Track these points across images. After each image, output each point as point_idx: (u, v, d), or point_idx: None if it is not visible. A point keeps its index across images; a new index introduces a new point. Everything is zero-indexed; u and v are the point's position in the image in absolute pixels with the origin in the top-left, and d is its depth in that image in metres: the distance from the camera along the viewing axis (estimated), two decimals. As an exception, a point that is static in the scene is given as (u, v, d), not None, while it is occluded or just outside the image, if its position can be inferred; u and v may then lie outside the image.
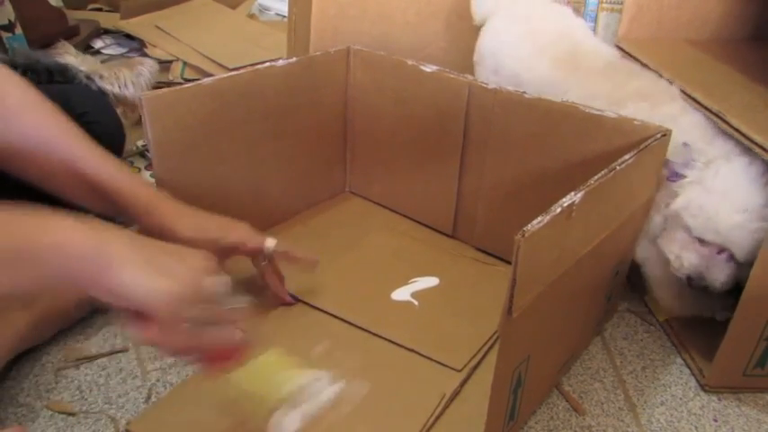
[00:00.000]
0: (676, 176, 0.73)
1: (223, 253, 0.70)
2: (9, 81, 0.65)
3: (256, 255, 0.75)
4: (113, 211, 0.66)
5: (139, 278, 0.46)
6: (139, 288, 0.46)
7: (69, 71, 1.00)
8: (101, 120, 0.89)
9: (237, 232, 0.72)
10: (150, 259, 0.47)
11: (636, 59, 0.96)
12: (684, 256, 0.72)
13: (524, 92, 0.81)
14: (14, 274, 0.43)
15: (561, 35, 0.93)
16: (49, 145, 0.64)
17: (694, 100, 0.80)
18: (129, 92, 1.07)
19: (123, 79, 1.08)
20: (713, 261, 0.70)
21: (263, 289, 0.79)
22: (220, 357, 0.54)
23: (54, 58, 1.03)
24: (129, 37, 1.62)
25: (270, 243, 0.74)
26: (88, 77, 1.03)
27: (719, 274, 0.71)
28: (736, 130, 0.71)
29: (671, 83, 0.83)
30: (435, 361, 0.73)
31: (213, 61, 1.46)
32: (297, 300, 0.81)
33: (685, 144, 0.72)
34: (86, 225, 0.46)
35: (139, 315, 0.47)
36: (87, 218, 0.46)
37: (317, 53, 0.93)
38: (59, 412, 0.67)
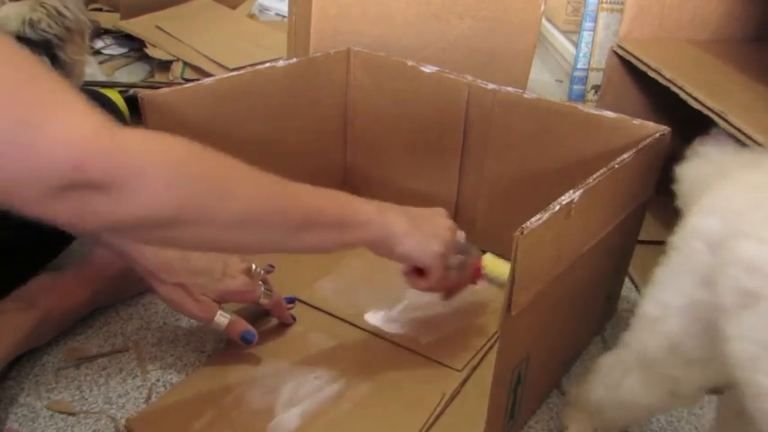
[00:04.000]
0: None
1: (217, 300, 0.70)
2: None
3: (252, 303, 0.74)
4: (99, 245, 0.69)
5: (417, 246, 0.64)
6: (417, 252, 0.64)
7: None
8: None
9: (231, 284, 0.70)
10: (419, 229, 0.64)
11: (637, 59, 0.96)
12: None
13: (524, 91, 0.81)
14: (337, 236, 0.59)
15: None
16: None
17: (695, 99, 0.80)
18: (71, 13, 0.89)
19: (53, 8, 0.88)
20: None
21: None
22: (468, 282, 0.74)
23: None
24: (129, 37, 1.62)
25: (264, 297, 0.73)
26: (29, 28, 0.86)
27: None
28: (738, 129, 0.71)
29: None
30: (435, 361, 0.73)
31: (213, 61, 1.46)
32: (295, 301, 0.81)
33: None
34: (377, 208, 0.63)
35: (416, 269, 0.67)
36: (373, 202, 0.63)
37: (317, 54, 0.93)
38: (59, 412, 0.67)
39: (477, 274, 0.74)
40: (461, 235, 0.70)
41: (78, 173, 0.39)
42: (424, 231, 0.65)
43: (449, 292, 0.74)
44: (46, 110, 0.39)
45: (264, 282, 0.74)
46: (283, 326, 0.78)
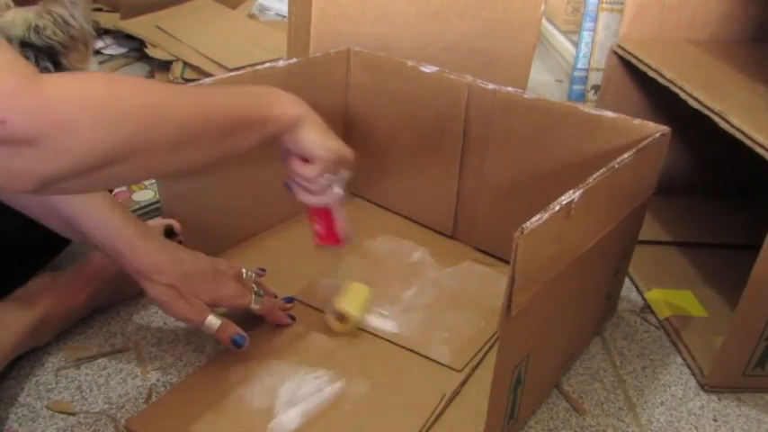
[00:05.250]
0: None
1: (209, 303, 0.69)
2: None
3: (242, 309, 0.73)
4: (90, 246, 0.68)
5: (320, 137, 0.64)
6: (318, 142, 0.64)
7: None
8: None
9: (222, 290, 0.69)
10: (326, 129, 0.66)
11: (637, 59, 0.96)
12: None
13: (524, 91, 0.81)
14: (261, 131, 0.60)
15: None
16: None
17: (695, 99, 0.80)
18: (77, 22, 0.93)
19: (60, 16, 0.87)
20: None
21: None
22: (328, 238, 0.73)
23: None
24: (129, 37, 1.62)
25: (255, 303, 0.72)
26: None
27: None
28: (738, 129, 0.71)
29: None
30: (435, 361, 0.73)
31: (213, 61, 1.46)
32: (294, 300, 0.81)
33: None
34: (293, 100, 0.64)
35: (303, 159, 0.66)
36: (288, 93, 0.64)
37: (318, 54, 0.93)
38: (59, 412, 0.67)
39: (341, 241, 0.73)
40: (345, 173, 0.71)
41: (2, 130, 0.39)
42: (329, 133, 0.66)
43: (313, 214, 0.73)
44: None
45: (258, 285, 0.74)
46: (283, 326, 0.77)
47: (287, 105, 0.63)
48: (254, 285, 0.73)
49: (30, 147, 0.41)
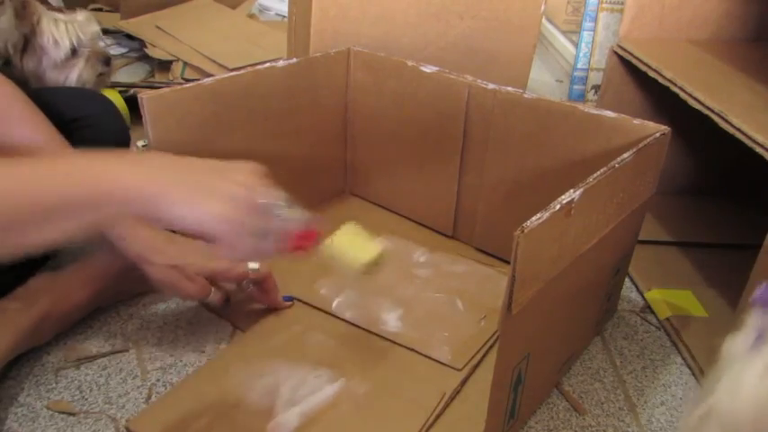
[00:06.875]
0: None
1: (208, 279, 0.71)
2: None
3: (241, 281, 0.75)
4: (95, 235, 0.66)
5: (190, 209, 0.49)
6: (193, 217, 0.49)
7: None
8: (101, 123, 0.89)
9: (219, 261, 0.71)
10: (197, 185, 0.50)
11: (637, 59, 0.96)
12: None
13: (524, 91, 0.81)
14: (92, 217, 0.47)
15: None
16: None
17: (695, 99, 0.80)
18: (86, 39, 0.98)
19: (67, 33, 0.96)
20: None
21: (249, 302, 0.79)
22: (295, 247, 0.58)
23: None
24: (129, 37, 1.62)
25: (253, 270, 0.72)
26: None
27: None
28: (738, 129, 0.71)
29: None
30: (436, 360, 0.73)
31: (213, 61, 1.46)
32: (294, 300, 0.81)
33: None
34: (141, 168, 0.48)
35: (208, 237, 0.51)
36: (136, 158, 0.50)
37: (318, 54, 0.93)
38: (59, 412, 0.67)
39: (305, 240, 0.58)
40: (275, 194, 0.55)
41: None
42: (205, 189, 0.50)
43: (257, 257, 0.63)
44: None
45: None
46: (283, 326, 0.77)
47: (126, 175, 0.48)
48: None
49: None
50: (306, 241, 0.59)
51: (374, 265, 0.67)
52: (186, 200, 0.49)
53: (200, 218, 0.49)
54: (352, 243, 0.66)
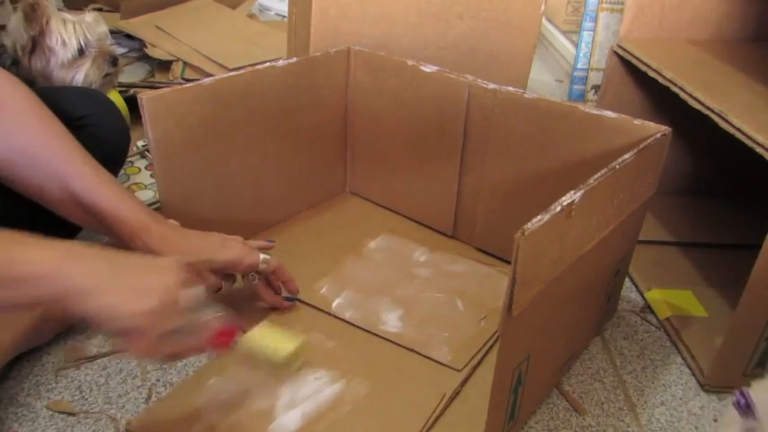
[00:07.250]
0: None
1: (218, 271, 0.70)
2: (9, 88, 0.65)
3: (249, 272, 0.75)
4: (104, 232, 0.67)
5: (112, 305, 0.49)
6: (114, 313, 0.49)
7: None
8: (102, 123, 0.89)
9: (231, 252, 0.71)
10: (121, 282, 0.50)
11: (637, 59, 0.96)
12: None
13: (524, 91, 0.81)
14: (11, 293, 0.47)
15: None
16: (45, 162, 0.63)
17: (695, 99, 0.80)
18: (94, 39, 0.99)
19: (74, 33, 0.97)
20: None
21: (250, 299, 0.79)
22: (216, 343, 0.59)
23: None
24: (129, 37, 1.62)
25: (263, 262, 0.73)
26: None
27: None
28: (738, 129, 0.71)
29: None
30: (436, 361, 0.73)
31: (213, 61, 1.46)
32: (294, 300, 0.81)
33: None
34: (62, 255, 0.48)
35: (124, 332, 0.51)
36: (62, 246, 0.49)
37: (318, 53, 0.93)
38: (59, 412, 0.67)
39: (226, 336, 0.60)
40: (195, 295, 0.56)
41: None
42: (128, 286, 0.51)
43: (173, 357, 0.60)
44: None
45: (262, 249, 0.75)
46: (283, 326, 0.77)
47: (49, 263, 0.48)
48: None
49: None
50: (226, 337, 0.60)
51: (295, 359, 0.69)
52: (108, 297, 0.49)
53: (121, 314, 0.49)
54: (272, 337, 0.68)
